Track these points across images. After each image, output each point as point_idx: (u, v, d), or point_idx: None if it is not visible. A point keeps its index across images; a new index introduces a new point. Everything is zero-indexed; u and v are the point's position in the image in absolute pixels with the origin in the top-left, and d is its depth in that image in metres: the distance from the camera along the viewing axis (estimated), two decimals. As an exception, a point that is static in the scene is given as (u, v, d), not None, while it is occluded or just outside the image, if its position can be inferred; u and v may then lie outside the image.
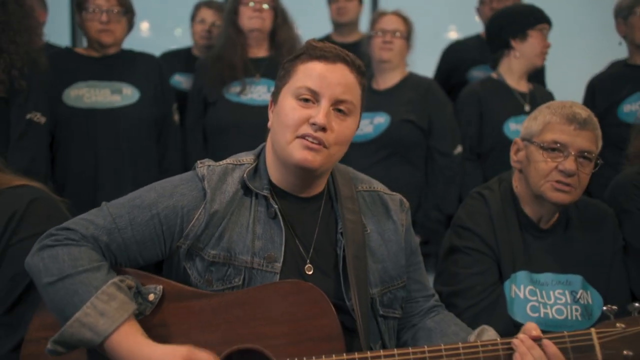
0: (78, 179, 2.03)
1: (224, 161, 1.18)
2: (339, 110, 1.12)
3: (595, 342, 0.99)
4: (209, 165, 1.16)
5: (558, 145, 1.36)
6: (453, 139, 2.33)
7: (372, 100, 2.28)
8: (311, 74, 1.12)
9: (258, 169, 1.18)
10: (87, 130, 2.05)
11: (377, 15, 2.48)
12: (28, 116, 1.85)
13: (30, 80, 1.84)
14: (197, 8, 2.83)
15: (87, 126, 2.05)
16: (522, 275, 1.39)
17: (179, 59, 2.75)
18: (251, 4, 2.29)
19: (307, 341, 1.00)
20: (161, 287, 1.03)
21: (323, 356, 0.98)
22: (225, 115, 2.29)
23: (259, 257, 1.10)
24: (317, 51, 1.14)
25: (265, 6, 2.31)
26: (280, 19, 2.37)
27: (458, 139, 2.34)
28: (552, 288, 1.39)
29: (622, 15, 2.45)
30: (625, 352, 0.98)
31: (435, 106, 2.35)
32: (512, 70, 2.34)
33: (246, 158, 1.19)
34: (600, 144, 1.42)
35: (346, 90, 1.12)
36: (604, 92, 2.44)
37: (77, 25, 2.19)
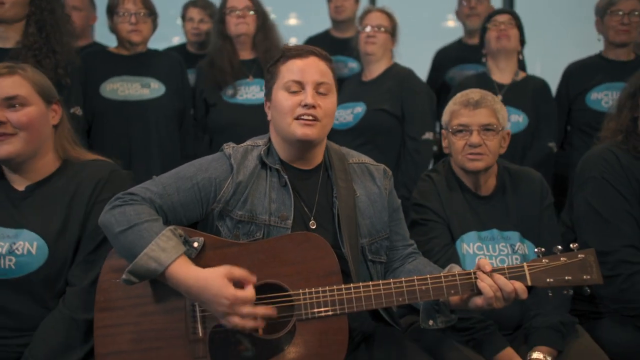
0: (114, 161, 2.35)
1: (244, 143, 1.50)
2: (320, 92, 1.44)
3: (527, 273, 1.31)
4: (233, 147, 1.48)
5: (462, 126, 1.69)
6: (422, 126, 2.51)
7: (357, 92, 2.54)
8: (292, 69, 1.44)
9: (270, 149, 1.50)
10: (122, 119, 2.33)
11: (364, 12, 2.65)
12: (71, 110, 2.10)
13: (71, 78, 2.09)
14: (185, 8, 3.02)
15: (121, 116, 2.34)
16: (470, 235, 1.71)
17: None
18: (237, 12, 2.50)
19: (314, 277, 1.32)
20: (202, 238, 1.35)
21: (327, 287, 1.31)
22: (224, 116, 2.52)
23: (274, 216, 1.43)
24: (292, 52, 1.46)
25: (251, 13, 2.51)
26: (261, 21, 2.55)
27: (428, 126, 2.52)
28: (496, 242, 1.70)
29: (599, 15, 2.65)
30: (548, 280, 1.31)
31: (408, 94, 2.52)
32: (490, 65, 2.60)
33: (261, 141, 1.51)
34: (502, 115, 1.71)
35: (322, 75, 1.44)
36: (576, 78, 2.68)
37: (109, 27, 2.46)
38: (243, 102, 2.52)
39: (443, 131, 1.81)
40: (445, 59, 3.18)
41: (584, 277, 1.32)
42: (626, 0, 2.53)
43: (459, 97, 1.77)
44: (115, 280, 1.33)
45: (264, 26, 2.55)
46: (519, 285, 1.29)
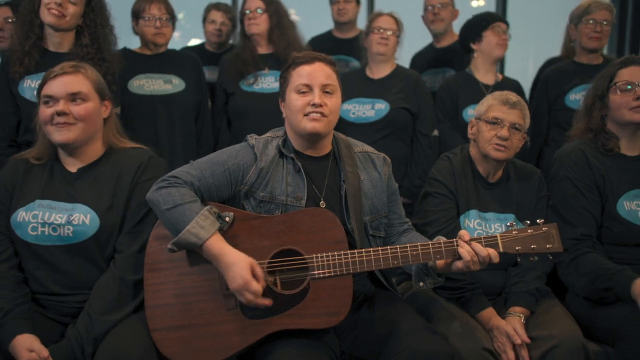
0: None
1: (265, 135, 1.78)
2: (326, 92, 1.72)
3: (499, 241, 1.60)
4: (256, 138, 1.76)
5: (497, 119, 1.95)
6: (431, 124, 2.82)
7: (369, 88, 2.78)
8: (302, 74, 1.72)
9: (286, 140, 1.78)
10: (149, 112, 2.58)
11: (374, 15, 2.86)
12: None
13: (115, 84, 2.32)
14: (208, 11, 3.26)
15: (148, 109, 2.58)
16: (473, 212, 1.99)
17: (195, 53, 3.11)
18: (247, 11, 2.78)
19: (324, 244, 1.60)
20: (232, 213, 1.64)
21: (335, 252, 1.59)
22: (242, 102, 2.79)
23: (290, 197, 1.71)
24: (300, 59, 1.75)
25: (259, 11, 2.76)
26: (275, 20, 2.79)
27: (435, 124, 2.83)
28: (493, 222, 1.98)
29: (574, 22, 2.89)
30: (517, 247, 1.59)
31: (422, 96, 2.81)
32: (477, 67, 2.83)
33: (278, 133, 1.80)
34: (527, 120, 1.98)
35: (327, 78, 1.73)
36: (554, 83, 2.90)
37: (133, 30, 2.71)
38: (259, 90, 2.79)
39: (473, 119, 2.05)
40: (420, 63, 3.39)
41: (547, 246, 1.61)
42: (600, 10, 2.76)
43: (498, 94, 2.03)
44: (161, 247, 1.62)
45: (280, 24, 2.78)
46: (492, 251, 1.58)
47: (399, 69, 2.88)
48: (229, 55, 2.90)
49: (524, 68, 5.49)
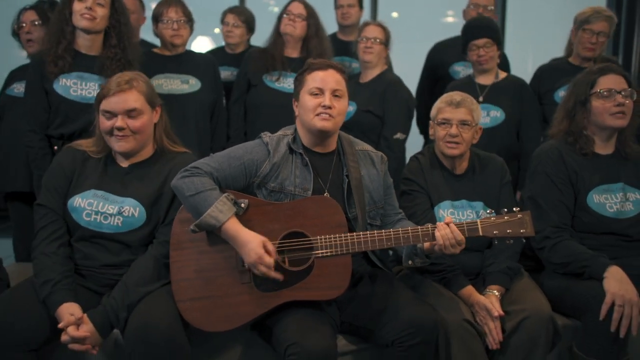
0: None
1: (277, 133, 2.03)
2: (336, 95, 1.97)
3: (479, 226, 1.85)
4: (269, 136, 2.01)
5: (445, 119, 2.21)
6: (394, 127, 2.98)
7: (354, 92, 2.88)
8: (316, 78, 1.97)
9: (295, 137, 2.04)
10: (167, 111, 2.81)
11: (362, 25, 3.10)
12: None
13: None
14: (224, 14, 3.49)
15: (167, 108, 2.76)
16: (446, 203, 2.25)
17: (216, 55, 3.43)
18: (289, 15, 3.03)
19: (327, 227, 1.85)
20: (247, 200, 1.90)
21: (337, 235, 1.85)
22: (263, 96, 3.03)
23: (298, 188, 1.96)
24: (316, 65, 2.00)
25: (298, 18, 3.03)
26: (313, 30, 3.05)
27: (400, 128, 2.99)
28: (465, 209, 2.23)
29: (576, 26, 3.06)
30: (494, 231, 1.85)
31: (388, 100, 2.98)
32: (474, 70, 3.04)
33: (289, 131, 2.05)
34: (477, 114, 2.22)
35: (337, 83, 1.98)
36: (546, 79, 3.12)
37: (153, 32, 2.98)
38: (280, 88, 3.04)
39: (431, 122, 2.32)
40: (447, 53, 3.53)
41: (521, 230, 1.86)
42: (599, 21, 2.95)
43: (444, 97, 2.29)
44: (184, 229, 1.88)
45: (318, 34, 3.04)
46: (460, 238, 1.82)
47: (383, 74, 3.08)
48: (257, 48, 3.14)
49: (523, 68, 5.64)
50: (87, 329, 1.83)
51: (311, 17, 3.05)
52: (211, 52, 3.57)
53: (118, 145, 1.99)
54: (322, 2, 3.73)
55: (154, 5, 3.01)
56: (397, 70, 3.44)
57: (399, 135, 3.01)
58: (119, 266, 1.98)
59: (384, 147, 2.96)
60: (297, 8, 3.04)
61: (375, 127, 3.01)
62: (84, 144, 2.09)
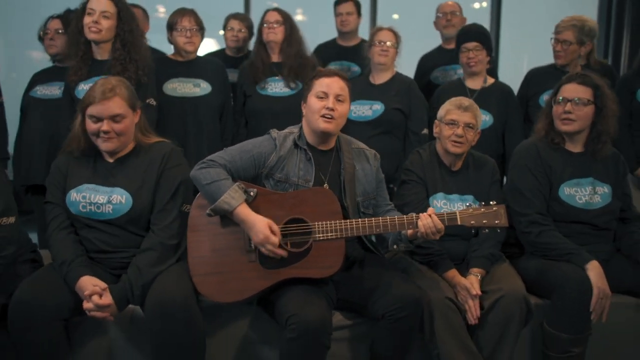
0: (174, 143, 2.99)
1: (284, 130, 2.29)
2: (339, 100, 2.23)
3: (458, 216, 2.10)
4: (277, 132, 2.28)
5: (453, 121, 2.46)
6: (421, 123, 3.22)
7: (370, 92, 3.24)
8: (322, 84, 2.24)
9: (301, 135, 2.31)
10: (179, 112, 3.08)
11: (376, 29, 3.27)
12: (147, 101, 2.78)
13: (147, 76, 2.84)
14: (228, 20, 3.71)
15: (179, 108, 3.08)
16: (440, 195, 2.50)
17: (217, 57, 3.62)
18: (268, 24, 3.28)
19: (325, 215, 2.11)
20: (256, 189, 2.17)
21: (332, 221, 2.11)
22: (258, 104, 3.24)
23: (301, 179, 2.23)
24: (323, 73, 2.27)
25: (276, 24, 3.26)
26: (289, 32, 3.28)
27: (424, 124, 3.21)
28: (456, 202, 2.49)
29: (555, 32, 3.29)
30: (472, 222, 2.10)
31: (414, 99, 3.22)
32: (465, 74, 3.29)
33: (295, 129, 2.31)
34: (479, 120, 2.48)
35: (341, 89, 2.24)
36: (534, 82, 3.37)
37: (168, 39, 3.24)
38: (271, 94, 3.26)
39: (436, 121, 2.56)
40: (429, 62, 3.87)
41: (495, 221, 2.11)
42: (564, 31, 3.21)
43: (454, 100, 2.50)
44: (200, 213, 2.16)
45: (292, 36, 3.27)
46: (440, 226, 2.07)
47: (397, 75, 3.31)
48: (246, 62, 3.40)
49: (518, 72, 5.82)
50: (108, 299, 2.09)
51: (287, 21, 3.28)
52: (212, 55, 3.80)
53: (104, 145, 2.21)
54: (323, 10, 4.04)
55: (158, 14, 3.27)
56: (398, 70, 3.65)
57: (425, 131, 3.22)
58: (120, 249, 2.23)
59: (414, 141, 3.19)
60: (273, 16, 3.27)
61: (402, 124, 3.24)
62: (67, 148, 2.33)
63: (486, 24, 6.59)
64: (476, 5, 6.85)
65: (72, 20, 3.09)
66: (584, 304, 2.23)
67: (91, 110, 2.20)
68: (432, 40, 4.01)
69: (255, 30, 3.71)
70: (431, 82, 3.77)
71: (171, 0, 5.88)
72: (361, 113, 3.22)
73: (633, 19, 5.54)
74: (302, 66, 3.23)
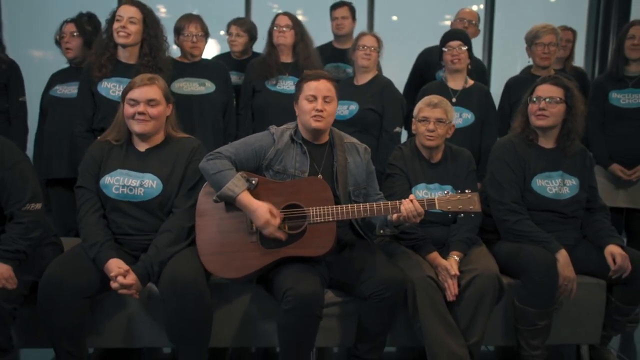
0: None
1: (282, 127, 2.58)
2: (326, 101, 2.51)
3: (436, 202, 2.39)
4: (276, 128, 2.57)
5: (425, 117, 2.76)
6: (393, 122, 3.48)
7: (349, 92, 3.51)
8: (310, 87, 2.51)
9: (297, 131, 2.60)
10: (186, 109, 3.32)
11: (360, 35, 3.54)
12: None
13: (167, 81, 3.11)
14: (228, 26, 3.92)
15: (186, 106, 3.32)
16: (421, 185, 2.80)
17: (223, 60, 3.80)
18: (278, 28, 3.57)
19: (318, 201, 2.39)
20: (257, 178, 2.46)
21: (325, 207, 2.39)
22: (266, 99, 3.53)
23: (298, 170, 2.51)
24: (311, 76, 2.55)
25: (285, 28, 3.56)
26: (299, 36, 3.59)
27: (397, 123, 3.48)
28: (436, 191, 2.76)
29: (527, 44, 3.59)
30: (448, 207, 2.39)
31: (387, 100, 3.48)
32: (447, 74, 3.58)
33: (291, 126, 2.60)
34: (450, 114, 2.77)
35: (328, 91, 2.52)
36: (514, 89, 3.63)
37: (174, 43, 3.52)
38: (280, 90, 3.54)
39: (413, 119, 2.86)
40: (435, 59, 3.93)
41: (469, 207, 2.39)
42: (547, 34, 3.51)
43: (425, 99, 2.83)
44: (208, 200, 2.45)
45: (303, 40, 3.57)
46: (420, 210, 2.35)
47: (377, 77, 3.57)
48: (257, 59, 3.68)
49: (512, 73, 6.08)
50: (132, 277, 2.38)
51: (296, 25, 3.56)
52: (219, 58, 4.06)
53: (138, 127, 2.49)
54: (319, 14, 4.27)
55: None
56: (396, 70, 3.98)
57: (398, 129, 3.50)
58: (145, 232, 2.52)
59: (387, 139, 3.45)
60: (284, 20, 3.54)
61: (376, 123, 3.49)
62: (107, 135, 2.65)
63: (480, 26, 6.89)
64: (474, 7, 7.14)
65: (88, 22, 3.40)
66: (549, 283, 2.53)
67: (131, 94, 2.52)
68: (431, 41, 4.14)
69: (255, 33, 4.01)
70: (433, 79, 3.94)
71: (172, 0, 6.19)
72: (340, 112, 3.46)
73: (619, 25, 5.85)
74: (310, 67, 3.44)
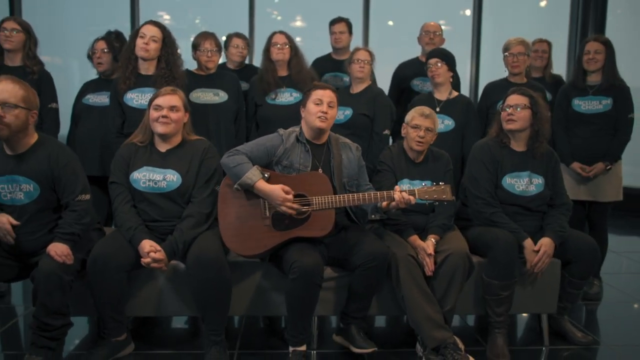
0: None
1: (289, 129, 3.17)
2: (330, 106, 3.11)
3: (416, 192, 2.98)
4: (283, 130, 3.17)
5: (417, 125, 3.35)
6: (383, 126, 3.94)
7: (345, 99, 4.01)
8: (318, 94, 3.12)
9: (301, 133, 3.20)
10: (202, 116, 3.83)
11: (355, 49, 4.04)
12: None
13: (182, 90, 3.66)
14: (230, 38, 4.39)
15: (202, 114, 3.76)
16: (405, 181, 3.37)
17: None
18: (277, 45, 4.02)
19: (320, 192, 2.98)
20: (269, 173, 3.04)
21: (325, 196, 2.99)
22: (267, 112, 3.99)
23: (302, 166, 3.10)
24: (319, 86, 3.15)
25: (283, 45, 3.99)
26: (294, 51, 4.10)
27: (386, 126, 3.94)
28: (418, 186, 3.33)
29: (502, 54, 4.11)
30: (426, 196, 2.98)
31: (378, 106, 3.95)
32: (433, 87, 4.13)
33: (296, 129, 3.20)
34: (436, 125, 3.36)
35: (331, 98, 3.12)
36: (490, 94, 4.23)
37: (192, 57, 4.11)
38: (279, 103, 4.02)
39: (404, 124, 3.42)
40: (410, 70, 4.52)
41: (443, 196, 2.99)
42: (515, 45, 4.09)
43: (418, 109, 3.36)
44: (229, 189, 3.04)
45: (297, 55, 4.05)
46: (411, 198, 2.96)
47: (370, 86, 4.05)
48: (256, 77, 4.20)
49: (499, 78, 6.57)
50: (162, 253, 2.96)
51: (291, 42, 4.03)
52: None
53: (161, 128, 3.01)
54: (317, 20, 4.73)
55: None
56: (391, 72, 4.46)
57: (386, 132, 3.95)
58: (169, 219, 3.05)
59: (377, 140, 3.91)
60: (281, 39, 4.01)
61: (367, 126, 3.95)
62: (133, 138, 3.22)
63: (467, 32, 7.47)
64: (467, 12, 7.54)
65: (116, 39, 4.00)
66: (510, 259, 3.13)
67: (157, 101, 3.09)
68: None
69: (252, 47, 4.55)
70: (411, 88, 4.59)
71: (174, 8, 6.79)
72: (337, 117, 3.85)
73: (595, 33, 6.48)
74: (303, 79, 4.06)
